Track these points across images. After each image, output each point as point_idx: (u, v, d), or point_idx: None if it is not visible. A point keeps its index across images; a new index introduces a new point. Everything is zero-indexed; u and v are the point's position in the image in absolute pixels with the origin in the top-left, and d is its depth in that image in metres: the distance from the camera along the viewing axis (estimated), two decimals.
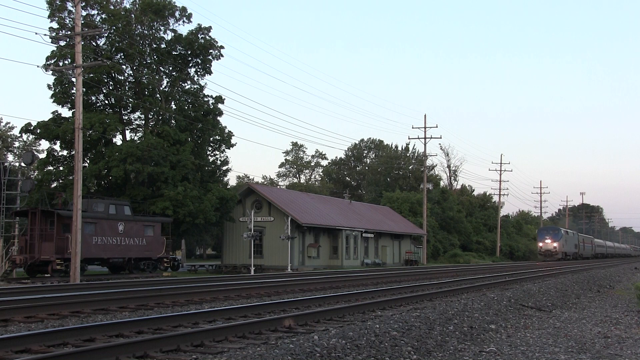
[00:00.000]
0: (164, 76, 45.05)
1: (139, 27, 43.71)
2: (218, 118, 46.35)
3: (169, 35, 44.90)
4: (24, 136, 48.77)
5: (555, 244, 72.53)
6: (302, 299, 14.12)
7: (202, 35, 44.85)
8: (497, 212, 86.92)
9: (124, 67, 43.61)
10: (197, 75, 46.27)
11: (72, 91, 39.89)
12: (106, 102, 44.38)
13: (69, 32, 37.18)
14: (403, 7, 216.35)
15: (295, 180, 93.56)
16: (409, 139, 66.84)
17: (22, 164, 39.81)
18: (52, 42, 39.05)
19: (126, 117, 45.16)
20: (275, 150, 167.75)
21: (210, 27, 45.39)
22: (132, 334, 9.32)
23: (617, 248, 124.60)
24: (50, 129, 40.13)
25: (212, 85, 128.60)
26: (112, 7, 43.72)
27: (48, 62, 40.65)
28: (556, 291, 18.88)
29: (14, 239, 34.14)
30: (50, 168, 42.50)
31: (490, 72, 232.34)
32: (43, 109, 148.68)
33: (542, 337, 10.70)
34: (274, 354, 7.36)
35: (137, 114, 45.41)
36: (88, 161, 41.35)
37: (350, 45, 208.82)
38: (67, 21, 41.21)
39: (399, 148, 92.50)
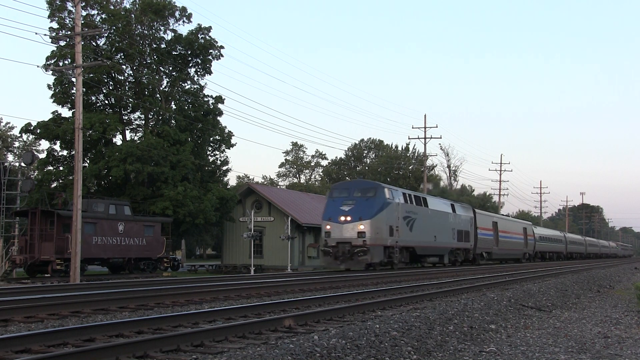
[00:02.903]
0: (164, 76, 45.06)
1: (139, 27, 43.71)
2: (218, 118, 46.40)
3: (169, 35, 44.97)
4: (24, 136, 48.85)
5: (361, 226, 28.94)
6: (302, 299, 14.11)
7: (202, 35, 44.88)
8: (497, 212, 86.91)
9: (124, 67, 43.63)
10: (197, 75, 46.33)
11: (72, 91, 39.90)
12: (106, 102, 44.39)
13: (69, 32, 37.19)
14: (403, 7, 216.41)
15: (295, 180, 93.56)
16: (409, 139, 66.77)
17: (22, 164, 39.80)
18: (52, 42, 39.10)
19: (126, 117, 45.17)
20: (275, 150, 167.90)
21: (210, 27, 45.50)
22: (132, 334, 9.31)
23: (594, 245, 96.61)
24: (50, 129, 40.13)
25: (212, 85, 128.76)
26: (112, 7, 43.74)
27: (48, 62, 40.68)
28: (556, 291, 18.88)
29: (14, 239, 34.14)
30: (50, 168, 42.51)
31: (490, 72, 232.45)
32: (43, 109, 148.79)
33: (542, 337, 10.70)
34: (274, 354, 7.36)
35: (137, 114, 45.44)
36: (88, 161, 41.36)
37: (351, 46, 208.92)
38: (67, 21, 41.23)
39: (399, 148, 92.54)
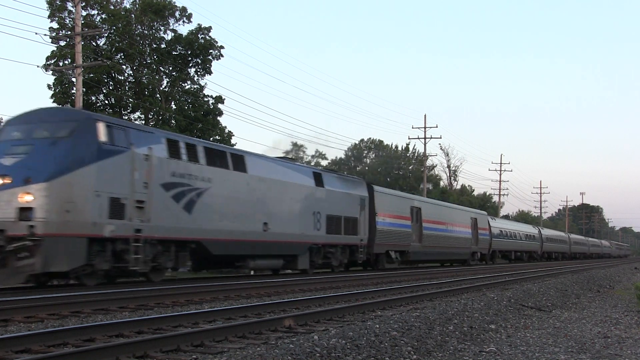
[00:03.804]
0: (164, 76, 45.07)
1: (139, 27, 43.73)
2: (218, 118, 46.37)
3: (169, 35, 44.95)
4: None
5: (28, 196, 14.61)
6: (302, 299, 14.12)
7: (202, 35, 44.86)
8: (497, 212, 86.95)
9: (124, 67, 43.64)
10: (197, 75, 46.28)
11: (72, 91, 39.90)
12: (106, 102, 44.39)
13: (69, 32, 37.19)
14: (403, 7, 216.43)
15: None
16: (409, 139, 66.77)
17: None
18: (52, 42, 39.05)
19: (126, 117, 45.13)
20: (275, 150, 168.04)
21: (210, 27, 45.39)
22: (132, 334, 9.32)
23: (581, 244, 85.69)
24: None
25: (212, 85, 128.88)
26: (112, 7, 43.75)
27: (48, 62, 40.66)
28: (556, 291, 18.89)
29: None
30: None
31: (490, 72, 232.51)
32: None
33: (542, 337, 10.71)
34: (274, 354, 7.36)
35: (137, 114, 45.42)
36: None
37: (351, 46, 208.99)
38: (67, 21, 41.22)
39: (399, 148, 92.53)
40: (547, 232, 70.09)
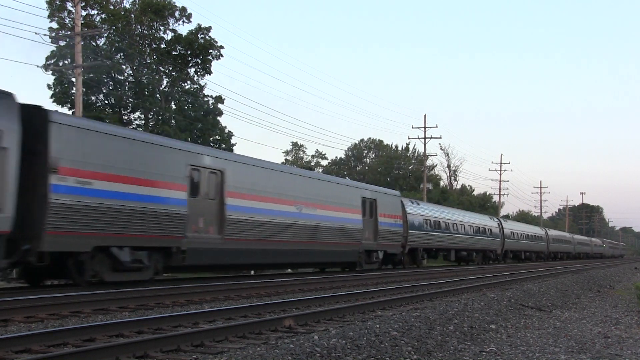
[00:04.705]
0: (163, 76, 45.06)
1: (139, 27, 43.73)
2: (218, 118, 46.38)
3: (168, 35, 44.97)
4: None
5: None
6: (302, 299, 14.12)
7: (202, 35, 44.87)
8: (497, 212, 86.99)
9: (124, 67, 43.64)
10: (197, 75, 46.30)
11: (72, 91, 39.90)
12: (106, 102, 44.40)
13: (69, 32, 37.20)
14: (403, 7, 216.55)
15: None
16: (409, 138, 66.68)
17: None
18: (52, 42, 39.05)
19: (126, 117, 45.14)
20: (275, 150, 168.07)
21: (210, 27, 45.42)
22: (132, 334, 9.31)
23: (564, 242, 73.93)
24: None
25: (212, 85, 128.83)
26: (112, 7, 43.74)
27: (48, 62, 40.65)
28: (556, 291, 18.89)
29: None
30: None
31: (490, 72, 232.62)
32: None
33: (542, 337, 10.70)
34: (274, 354, 7.36)
35: (137, 114, 45.44)
36: None
37: (351, 46, 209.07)
38: (67, 21, 41.21)
39: (399, 148, 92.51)
40: (512, 225, 56.30)
